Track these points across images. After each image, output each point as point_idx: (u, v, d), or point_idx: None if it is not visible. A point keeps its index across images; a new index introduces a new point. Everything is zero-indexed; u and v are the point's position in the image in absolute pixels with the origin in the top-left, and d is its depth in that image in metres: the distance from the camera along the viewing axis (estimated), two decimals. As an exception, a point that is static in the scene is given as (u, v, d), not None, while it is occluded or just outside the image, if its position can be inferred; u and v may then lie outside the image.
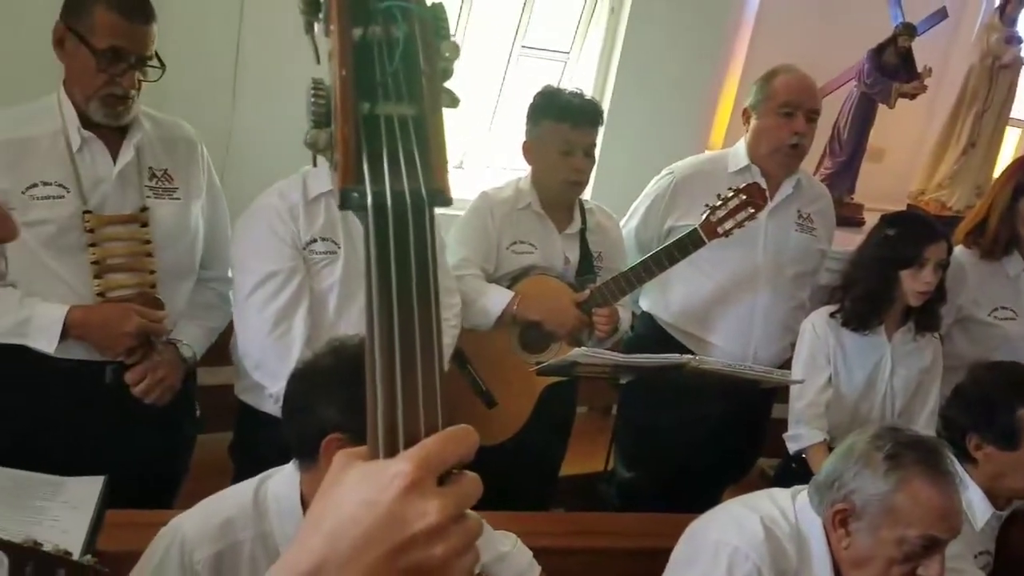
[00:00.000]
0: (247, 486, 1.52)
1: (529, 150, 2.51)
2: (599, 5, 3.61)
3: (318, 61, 0.62)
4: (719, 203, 2.47)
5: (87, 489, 1.80)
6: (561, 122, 2.42)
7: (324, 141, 0.58)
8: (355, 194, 0.56)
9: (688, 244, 2.47)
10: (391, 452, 0.56)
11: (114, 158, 1.98)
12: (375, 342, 0.56)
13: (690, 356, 2.37)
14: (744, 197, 2.48)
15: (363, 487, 0.55)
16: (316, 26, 0.61)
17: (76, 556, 1.23)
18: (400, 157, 0.56)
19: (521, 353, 2.55)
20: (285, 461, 1.51)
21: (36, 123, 1.92)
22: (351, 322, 2.09)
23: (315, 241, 2.09)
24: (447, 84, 0.60)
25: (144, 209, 2.02)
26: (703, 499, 2.27)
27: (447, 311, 2.32)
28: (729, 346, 2.71)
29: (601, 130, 2.54)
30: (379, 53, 0.58)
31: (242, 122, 2.80)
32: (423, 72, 0.58)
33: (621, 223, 2.80)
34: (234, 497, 1.51)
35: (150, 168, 2.04)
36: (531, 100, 2.51)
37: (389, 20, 0.58)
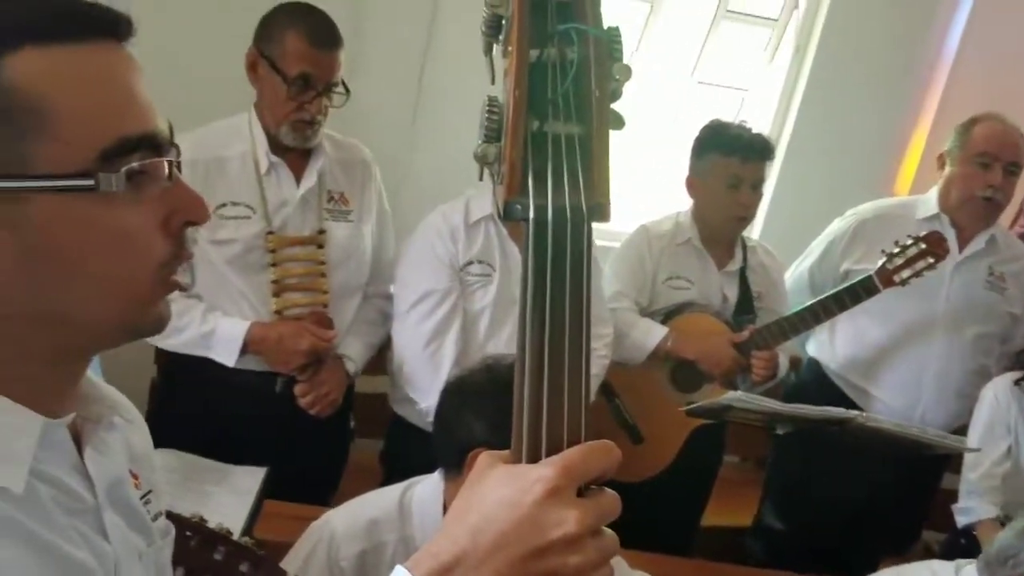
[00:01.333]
0: (394, 491, 1.57)
1: (693, 184, 2.48)
2: (783, 42, 3.53)
3: (493, 81, 0.64)
4: (897, 250, 2.35)
5: (250, 478, 1.92)
6: (729, 156, 2.38)
7: (493, 155, 0.60)
8: (518, 206, 0.58)
9: (861, 291, 2.36)
10: (533, 458, 0.58)
11: (297, 181, 2.08)
12: (526, 348, 0.58)
13: (856, 412, 2.25)
14: (924, 246, 2.34)
15: (506, 488, 0.57)
16: (495, 47, 0.64)
17: (236, 536, 1.31)
18: (564, 173, 0.58)
19: (672, 391, 2.50)
20: (429, 470, 1.55)
21: (228, 144, 2.04)
22: (499, 345, 2.13)
23: (472, 263, 2.15)
24: (615, 106, 0.61)
25: (321, 231, 2.12)
26: (857, 567, 2.14)
27: (598, 341, 2.31)
28: (895, 403, 2.55)
29: (775, 167, 2.48)
30: (552, 73, 0.60)
31: (420, 142, 2.92)
32: (593, 93, 0.59)
33: (795, 262, 2.71)
34: (381, 500, 1.56)
35: (328, 191, 2.14)
36: (698, 133, 2.48)
37: (565, 42, 0.60)
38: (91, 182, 0.64)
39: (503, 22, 0.61)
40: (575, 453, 0.57)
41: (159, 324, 0.73)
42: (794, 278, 2.69)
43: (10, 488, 0.66)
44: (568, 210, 0.58)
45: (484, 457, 0.61)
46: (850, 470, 2.48)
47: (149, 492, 0.85)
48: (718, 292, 2.50)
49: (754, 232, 3.10)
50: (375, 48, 2.74)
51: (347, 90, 2.03)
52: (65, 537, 0.70)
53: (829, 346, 2.67)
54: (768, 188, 2.49)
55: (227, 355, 2.03)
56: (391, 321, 2.26)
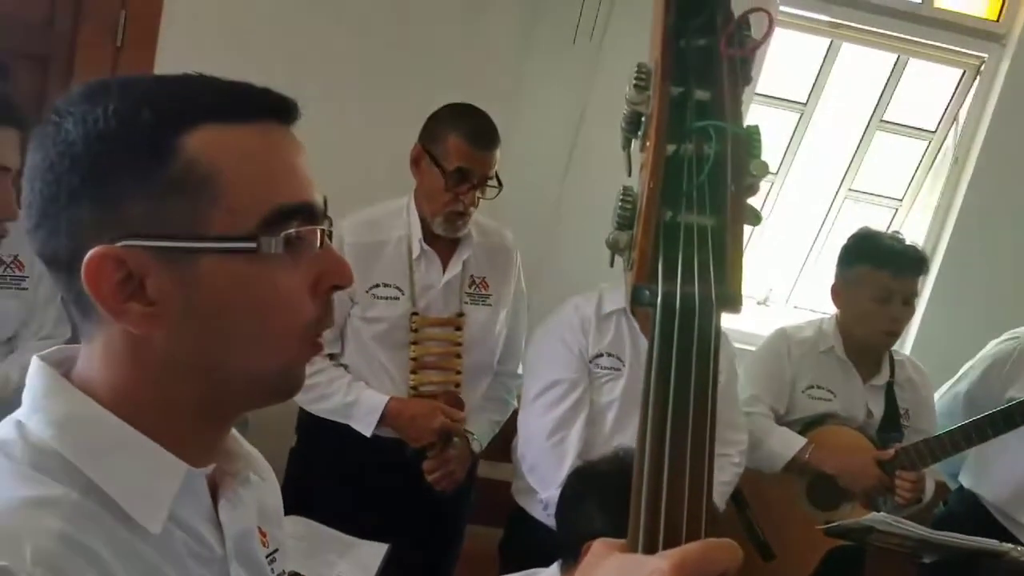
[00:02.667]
0: (513, 581, 1.56)
1: (839, 293, 2.41)
2: (941, 155, 3.43)
3: (629, 174, 0.67)
4: (1064, 378, 2.17)
5: (373, 554, 1.95)
6: (881, 268, 2.30)
7: (624, 242, 0.61)
8: (646, 292, 0.59)
9: (1018, 416, 2.19)
10: (650, 549, 0.56)
11: (444, 268, 2.20)
12: (647, 433, 0.57)
13: (1011, 546, 2.06)
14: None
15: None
16: (633, 142, 0.66)
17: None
18: (695, 263, 0.59)
19: (807, 507, 2.38)
20: (547, 563, 1.53)
21: (386, 230, 2.18)
22: (626, 440, 2.10)
23: (601, 356, 2.16)
24: (751, 200, 0.62)
25: (460, 314, 2.22)
26: None
27: (731, 447, 2.25)
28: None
29: (929, 281, 2.37)
30: (688, 167, 0.61)
31: (563, 230, 2.99)
32: (728, 187, 0.60)
33: (947, 384, 2.56)
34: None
35: (471, 276, 2.25)
36: (846, 242, 2.42)
37: (703, 138, 0.61)
38: (253, 245, 0.71)
39: (642, 119, 0.63)
40: (694, 547, 0.55)
41: (296, 386, 0.77)
42: (946, 401, 2.53)
43: (148, 528, 0.71)
44: (697, 298, 0.58)
45: (599, 544, 0.61)
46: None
47: (275, 551, 0.89)
48: (862, 406, 2.39)
49: (904, 347, 2.96)
50: (526, 139, 2.87)
51: (500, 184, 2.13)
52: None
53: (984, 474, 2.48)
54: (921, 303, 2.38)
55: (366, 425, 2.14)
56: (515, 399, 2.29)
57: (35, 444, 0.71)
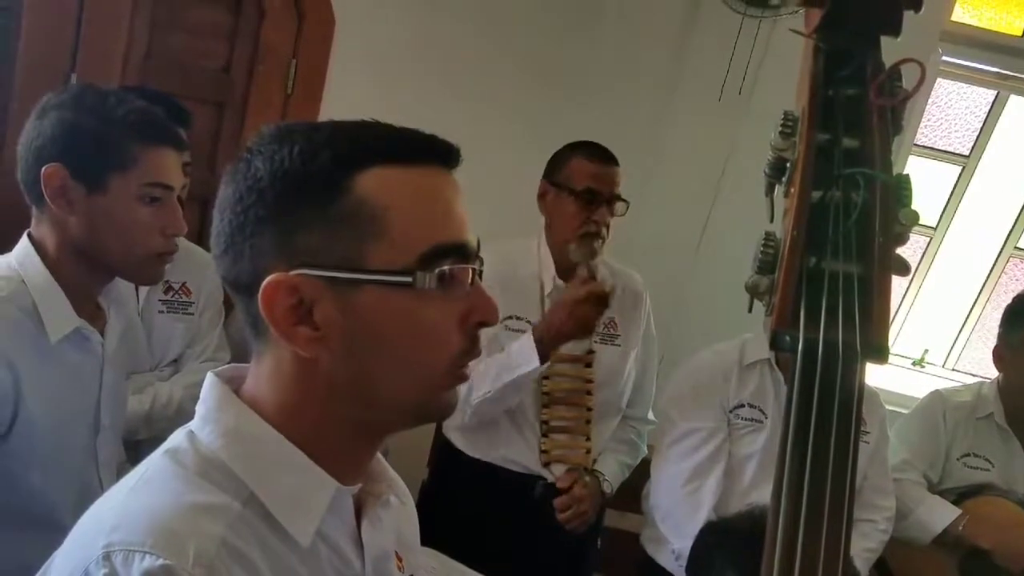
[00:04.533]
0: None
1: (1003, 357, 2.25)
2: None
3: (771, 220, 0.67)
4: None
5: (498, 594, 1.96)
6: None
7: (764, 286, 0.61)
8: (787, 337, 0.59)
9: None
10: None
11: None
12: (783, 488, 0.57)
13: None
14: None
15: None
16: (776, 188, 0.66)
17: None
18: (839, 310, 0.58)
19: (960, 583, 2.21)
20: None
21: (519, 264, 2.22)
22: (765, 496, 2.01)
23: (743, 406, 2.10)
24: (900, 251, 0.61)
25: (591, 352, 2.21)
26: None
27: (878, 513, 2.13)
28: None
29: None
30: (835, 214, 0.61)
31: (700, 274, 2.95)
32: (876, 235, 0.59)
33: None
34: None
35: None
36: (1012, 303, 2.27)
37: (851, 186, 0.61)
38: (410, 279, 0.75)
39: (787, 165, 0.64)
40: None
41: (447, 411, 0.81)
42: None
43: (299, 540, 0.76)
44: (841, 346, 0.57)
45: None
46: None
47: None
48: (1023, 478, 2.21)
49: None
50: (669, 183, 2.87)
51: (626, 201, 2.14)
52: None
53: None
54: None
55: (528, 360, 2.02)
56: (645, 444, 2.26)
57: (204, 454, 0.77)
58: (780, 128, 0.63)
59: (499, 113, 2.86)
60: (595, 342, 2.22)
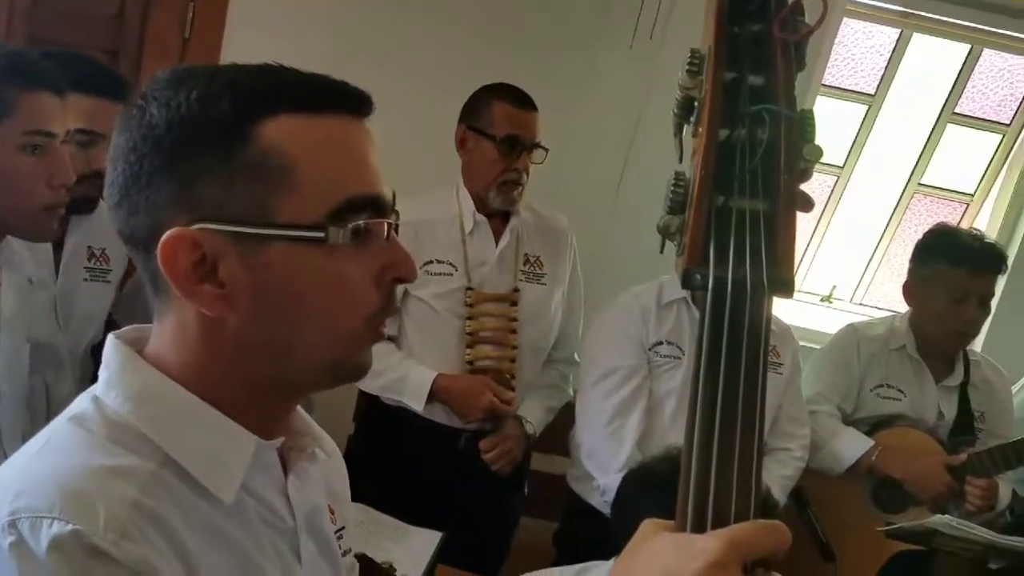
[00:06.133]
0: (568, 571, 1.56)
1: (913, 291, 2.34)
2: (1015, 149, 3.31)
3: (680, 160, 0.67)
4: None
5: (427, 541, 1.98)
6: (957, 266, 2.23)
7: (675, 226, 0.62)
8: (698, 276, 0.59)
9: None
10: (699, 530, 0.57)
11: (496, 242, 2.23)
12: (697, 415, 0.58)
13: (1084, 554, 1.99)
14: None
15: (668, 555, 0.56)
16: (685, 128, 0.66)
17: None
18: (746, 248, 0.59)
19: (872, 510, 2.33)
20: (604, 554, 1.53)
21: (436, 209, 2.23)
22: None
23: (661, 344, 2.16)
24: (803, 187, 0.61)
25: (516, 290, 2.25)
26: None
27: (793, 441, 2.23)
28: None
29: (1002, 278, 2.30)
30: (741, 152, 0.61)
31: (620, 219, 2.98)
32: (781, 172, 0.60)
33: (1016, 386, 2.47)
34: (555, 577, 1.56)
35: (525, 254, 2.27)
36: (922, 238, 2.35)
37: (757, 122, 0.61)
38: (322, 234, 0.72)
39: (694, 104, 0.63)
40: (743, 528, 0.56)
41: (361, 370, 0.80)
42: (1016, 405, 2.44)
43: (222, 498, 0.74)
44: (748, 282, 0.58)
45: (648, 524, 0.61)
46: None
47: (342, 528, 0.91)
48: (933, 407, 2.33)
49: (974, 347, 2.87)
50: (586, 126, 2.87)
51: (546, 148, 2.18)
52: (262, 551, 0.77)
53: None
54: (992, 301, 2.29)
55: (417, 401, 2.18)
56: (571, 387, 2.31)
57: (112, 418, 0.74)
58: (687, 67, 0.63)
59: (413, 60, 2.80)
60: (520, 280, 2.24)
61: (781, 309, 2.55)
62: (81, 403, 0.77)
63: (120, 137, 0.74)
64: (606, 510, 2.02)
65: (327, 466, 0.91)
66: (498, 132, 2.13)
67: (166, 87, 0.73)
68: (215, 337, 0.75)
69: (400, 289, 2.13)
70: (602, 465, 2.12)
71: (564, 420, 2.36)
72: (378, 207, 0.76)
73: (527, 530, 2.48)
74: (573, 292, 2.39)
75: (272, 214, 0.72)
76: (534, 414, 2.29)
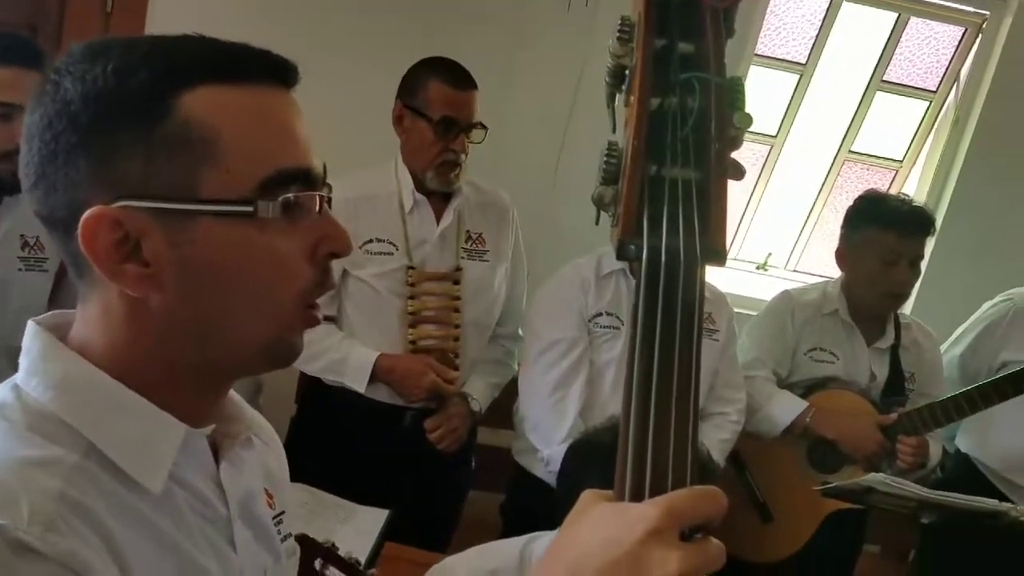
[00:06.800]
0: (515, 543, 1.56)
1: (844, 256, 2.39)
2: (941, 116, 3.40)
3: (614, 130, 0.66)
4: (1070, 341, 2.17)
5: (373, 519, 1.97)
6: (887, 229, 2.28)
7: (609, 197, 0.61)
8: (632, 246, 0.59)
9: (1024, 383, 2.18)
10: (636, 498, 0.57)
11: (438, 221, 2.20)
12: (634, 383, 0.58)
13: (1011, 505, 2.06)
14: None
15: (607, 525, 0.57)
16: (617, 97, 0.66)
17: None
18: (679, 217, 0.59)
19: (808, 470, 2.39)
20: (550, 524, 1.54)
21: (375, 186, 2.19)
22: None
23: (601, 315, 2.17)
24: (735, 155, 0.61)
25: (458, 269, 2.22)
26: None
27: (730, 405, 2.27)
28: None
29: (931, 241, 2.36)
30: (673, 121, 0.61)
31: (561, 195, 2.98)
32: (712, 140, 0.60)
33: (943, 346, 2.55)
34: (502, 551, 1.55)
35: (467, 231, 2.25)
36: (852, 205, 2.40)
37: (687, 90, 0.61)
38: (250, 208, 0.70)
39: (626, 72, 0.63)
40: (680, 495, 0.56)
41: (294, 351, 0.77)
42: (944, 363, 2.52)
43: (149, 488, 0.71)
44: (682, 252, 0.58)
45: (587, 494, 0.62)
46: (1003, 571, 2.27)
47: (281, 513, 0.89)
48: (865, 369, 2.39)
49: (905, 309, 2.96)
50: (523, 102, 2.85)
51: (485, 127, 2.14)
52: (194, 542, 0.74)
53: (983, 440, 2.48)
54: (922, 264, 2.36)
55: (358, 382, 2.15)
56: (516, 363, 2.31)
57: (33, 407, 0.71)
58: (618, 34, 0.62)
59: (345, 31, 2.75)
60: (462, 258, 2.22)
61: (717, 277, 2.58)
62: (0, 393, 0.73)
63: (34, 114, 0.71)
64: (551, 481, 2.04)
65: (264, 451, 0.89)
66: (434, 114, 2.09)
67: (81, 60, 0.70)
68: (141, 320, 0.72)
69: (339, 269, 2.13)
70: (546, 437, 2.14)
71: (510, 394, 2.36)
72: (308, 179, 0.74)
73: (474, 503, 2.49)
74: (516, 268, 2.38)
75: (197, 189, 0.69)
76: (479, 391, 2.28)
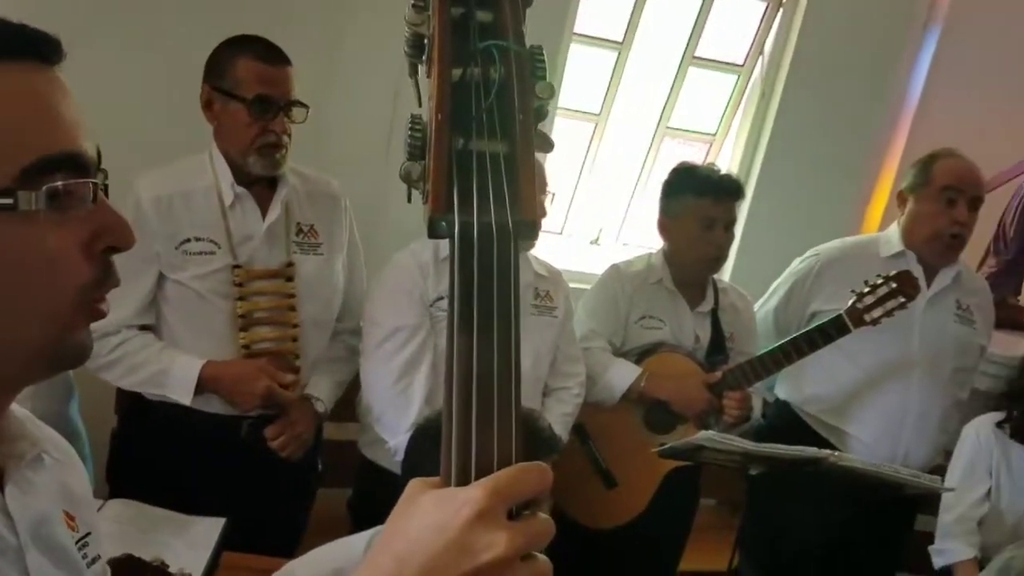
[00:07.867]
0: (360, 539, 1.52)
1: (665, 226, 2.49)
2: (750, 89, 3.59)
3: (420, 104, 0.64)
4: (867, 290, 2.34)
5: (209, 529, 1.86)
6: (702, 196, 2.38)
7: (417, 173, 0.59)
8: (443, 223, 0.57)
9: (832, 331, 2.35)
10: (463, 483, 0.56)
11: (263, 215, 2.06)
12: (453, 368, 0.57)
13: (828, 451, 2.22)
14: (895, 285, 2.34)
15: (433, 512, 0.55)
16: (420, 69, 0.63)
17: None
18: (489, 191, 0.57)
19: (645, 433, 2.47)
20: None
21: (189, 180, 2.01)
22: None
23: (441, 299, 2.11)
24: (542, 127, 0.60)
25: (290, 264, 2.09)
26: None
27: (571, 380, 2.31)
28: (876, 444, 2.51)
29: (743, 210, 2.49)
30: (476, 92, 0.59)
31: (393, 181, 2.91)
32: (516, 111, 0.59)
33: (758, 303, 2.70)
34: (346, 549, 1.51)
35: (297, 224, 2.11)
36: (667, 178, 2.50)
37: (487, 60, 0.59)
38: (10, 200, 0.63)
39: (425, 42, 0.60)
40: (504, 474, 0.55)
41: (80, 352, 0.70)
42: (758, 319, 2.68)
43: None
44: (494, 227, 0.57)
45: (413, 484, 0.59)
46: (825, 512, 2.45)
47: (87, 535, 0.82)
48: (691, 333, 2.49)
49: (724, 275, 3.12)
50: (347, 76, 2.75)
51: (306, 106, 2.02)
52: None
53: (798, 387, 2.66)
54: (736, 230, 2.49)
55: (183, 394, 1.99)
56: (359, 358, 2.22)
57: None
58: (412, 1, 0.59)
59: (141, 19, 2.55)
60: (294, 252, 2.11)
61: (552, 254, 2.62)
62: None
63: None
64: (398, 470, 2.00)
65: (59, 469, 0.81)
66: (246, 93, 1.95)
67: None
68: None
69: (154, 274, 1.97)
70: (391, 427, 2.08)
71: (353, 386, 2.29)
72: (79, 165, 0.67)
73: (322, 500, 2.41)
74: (353, 259, 2.28)
75: None
76: (324, 391, 2.18)
